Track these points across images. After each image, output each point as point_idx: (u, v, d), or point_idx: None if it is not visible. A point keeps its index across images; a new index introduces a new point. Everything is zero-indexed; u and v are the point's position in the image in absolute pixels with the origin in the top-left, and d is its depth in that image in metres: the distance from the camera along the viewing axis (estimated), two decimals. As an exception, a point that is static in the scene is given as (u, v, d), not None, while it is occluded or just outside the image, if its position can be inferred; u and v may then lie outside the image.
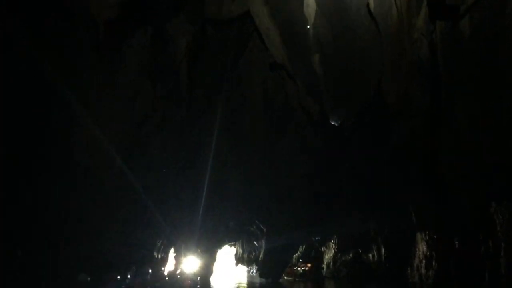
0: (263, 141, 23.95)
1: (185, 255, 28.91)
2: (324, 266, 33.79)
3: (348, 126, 22.41)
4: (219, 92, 20.41)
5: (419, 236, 23.28)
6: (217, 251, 33.28)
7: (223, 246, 33.13)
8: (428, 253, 22.57)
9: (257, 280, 32.15)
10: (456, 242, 20.18)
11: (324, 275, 33.27)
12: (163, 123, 17.76)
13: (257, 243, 34.17)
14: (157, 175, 19.98)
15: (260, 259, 32.28)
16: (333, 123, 21.97)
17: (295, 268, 33.25)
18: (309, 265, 33.84)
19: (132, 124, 15.36)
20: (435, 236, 21.91)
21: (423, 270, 22.82)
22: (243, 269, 42.66)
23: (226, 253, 48.15)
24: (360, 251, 29.77)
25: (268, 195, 26.55)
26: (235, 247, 42.83)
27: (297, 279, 32.17)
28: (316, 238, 31.88)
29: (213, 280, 32.33)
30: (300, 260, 34.52)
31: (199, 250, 33.59)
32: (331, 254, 32.73)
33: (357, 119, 22.29)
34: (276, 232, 28.35)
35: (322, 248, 34.07)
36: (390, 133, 22.18)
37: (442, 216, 20.48)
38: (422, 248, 23.03)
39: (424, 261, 22.85)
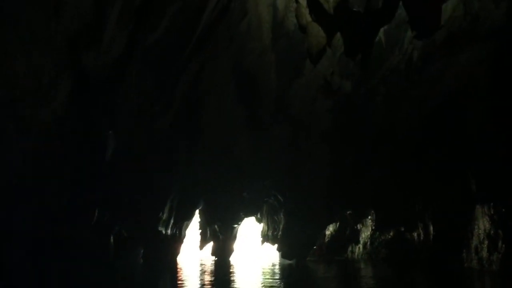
0: (275, 83, 19.27)
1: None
2: (360, 246, 29.37)
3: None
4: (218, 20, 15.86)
5: (479, 209, 18.71)
6: (235, 227, 29.25)
7: (240, 221, 28.93)
8: (492, 232, 18.08)
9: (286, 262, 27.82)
10: (534, 217, 15.41)
11: (359, 256, 28.74)
12: (132, 49, 13.36)
13: (277, 217, 29.85)
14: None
15: (279, 236, 27.99)
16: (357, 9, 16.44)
17: None
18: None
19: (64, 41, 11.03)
20: (503, 210, 17.15)
21: (484, 253, 18.40)
22: (271, 248, 38.69)
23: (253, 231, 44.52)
24: (402, 229, 25.42)
25: (284, 157, 21.98)
26: (261, 223, 38.75)
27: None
28: (348, 212, 27.19)
29: (234, 261, 28.31)
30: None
31: (216, 226, 29.84)
32: (368, 233, 28.34)
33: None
34: (296, 204, 23.78)
35: (358, 226, 29.53)
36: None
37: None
38: (483, 225, 18.55)
39: (486, 241, 18.46)
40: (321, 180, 21.89)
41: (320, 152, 21.02)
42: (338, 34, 16.25)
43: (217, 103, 19.62)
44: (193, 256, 37.50)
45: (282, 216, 27.00)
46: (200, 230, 34.90)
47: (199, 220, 33.75)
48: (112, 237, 20.43)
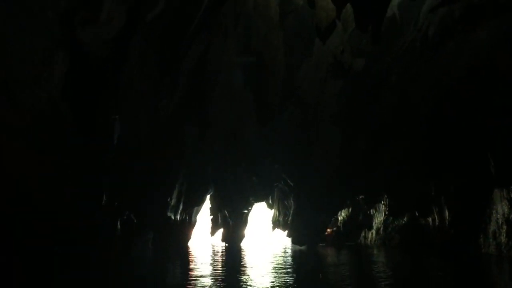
0: (283, 64, 18.44)
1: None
2: (373, 231, 28.75)
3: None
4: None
5: (497, 193, 18.09)
6: (245, 212, 28.75)
7: (250, 207, 28.40)
8: (510, 216, 17.34)
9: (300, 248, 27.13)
10: (557, 201, 14.64)
11: (372, 242, 28.10)
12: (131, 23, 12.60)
13: (287, 203, 29.21)
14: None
15: (289, 221, 27.36)
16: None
17: None
18: (328, 230, 29.06)
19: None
20: (524, 193, 16.30)
21: (502, 238, 17.76)
22: (282, 234, 38.23)
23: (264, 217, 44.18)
24: (417, 214, 24.60)
25: (293, 141, 21.27)
26: (272, 209, 38.22)
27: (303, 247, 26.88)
28: (360, 197, 26.44)
29: (244, 247, 27.87)
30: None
31: (226, 211, 29.47)
32: (381, 218, 27.59)
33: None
34: (306, 189, 23.07)
35: (371, 211, 28.83)
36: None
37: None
38: (502, 209, 17.96)
39: (504, 226, 17.79)
40: (331, 164, 21.16)
41: (331, 136, 20.24)
42: (349, 6, 15.26)
43: (224, 87, 18.93)
44: (204, 242, 37.28)
45: (292, 201, 26.34)
46: (212, 216, 34.57)
47: (210, 206, 33.44)
48: (119, 223, 19.99)
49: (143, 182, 20.54)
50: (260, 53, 18.44)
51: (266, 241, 36.34)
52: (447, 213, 21.94)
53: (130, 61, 13.68)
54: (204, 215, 44.62)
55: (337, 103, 19.45)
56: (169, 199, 23.63)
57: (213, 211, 33.64)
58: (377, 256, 20.43)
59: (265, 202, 38.72)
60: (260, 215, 52.82)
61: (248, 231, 32.69)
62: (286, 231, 31.67)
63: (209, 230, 38.21)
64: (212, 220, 35.12)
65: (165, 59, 14.97)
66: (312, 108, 20.00)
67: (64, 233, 16.39)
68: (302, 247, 25.49)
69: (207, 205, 34.14)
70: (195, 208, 30.97)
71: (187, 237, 30.72)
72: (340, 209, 28.67)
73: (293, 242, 26.89)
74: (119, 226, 20.06)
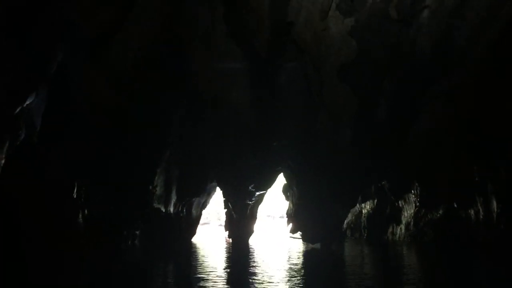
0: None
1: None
2: (402, 226, 24.89)
3: None
4: None
5: None
6: (249, 204, 24.87)
7: (253, 197, 24.36)
8: None
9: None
10: None
11: (401, 238, 24.20)
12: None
13: (293, 191, 24.89)
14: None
15: (292, 214, 23.09)
16: None
17: None
18: None
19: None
20: None
21: None
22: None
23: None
24: (455, 205, 21.04)
25: (294, 108, 16.95)
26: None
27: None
28: (382, 183, 22.19)
29: (252, 244, 23.95)
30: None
31: (229, 203, 25.89)
32: (412, 211, 23.85)
33: None
34: (311, 172, 18.49)
35: (400, 203, 24.83)
36: None
37: None
38: None
39: None
40: (342, 139, 16.46)
41: (340, 97, 15.51)
42: None
43: (204, 40, 14.92)
44: (217, 237, 33.98)
45: (295, 188, 22.07)
46: (226, 210, 31.32)
47: (223, 198, 30.14)
48: (81, 215, 16.32)
49: (114, 163, 16.93)
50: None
51: (277, 237, 32.58)
52: (495, 203, 18.65)
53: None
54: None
55: (348, 48, 14.42)
56: (151, 187, 19.93)
57: (225, 203, 30.15)
58: (408, 257, 16.62)
59: (283, 193, 35.01)
60: (274, 208, 49.16)
61: (258, 225, 29.04)
62: (290, 226, 27.42)
63: (224, 224, 35.08)
64: (226, 213, 31.92)
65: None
66: (314, 58, 15.05)
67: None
68: (315, 246, 21.26)
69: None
70: (196, 200, 27.47)
71: (187, 233, 27.19)
72: (359, 201, 24.31)
73: (304, 239, 22.57)
74: (81, 219, 16.42)
